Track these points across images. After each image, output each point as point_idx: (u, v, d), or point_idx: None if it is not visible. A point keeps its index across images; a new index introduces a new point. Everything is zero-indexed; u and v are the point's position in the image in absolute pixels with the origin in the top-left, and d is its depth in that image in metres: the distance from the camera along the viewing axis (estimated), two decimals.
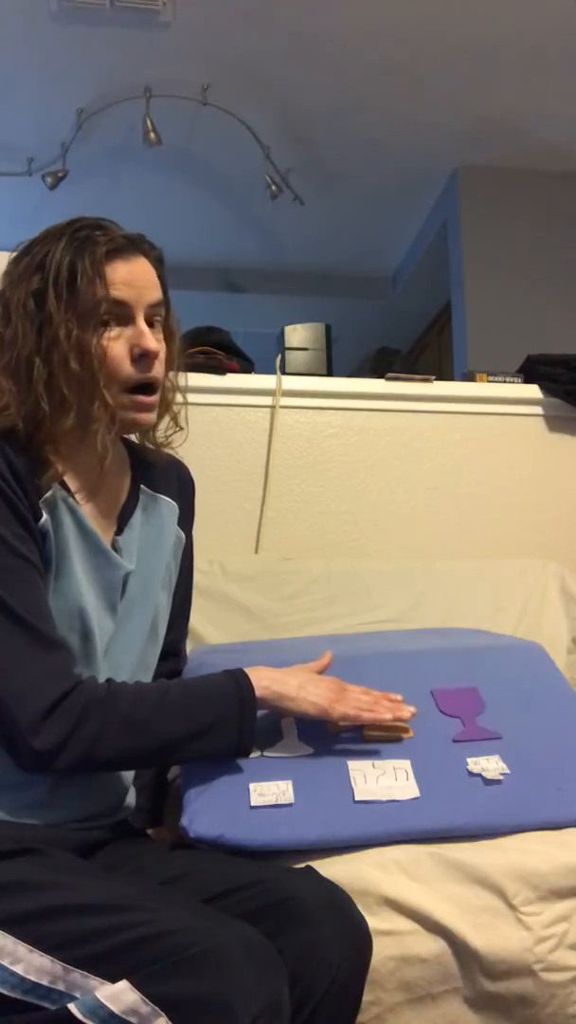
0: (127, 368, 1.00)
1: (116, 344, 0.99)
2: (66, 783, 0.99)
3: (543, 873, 0.99)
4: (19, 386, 0.98)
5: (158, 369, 1.03)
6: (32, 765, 0.91)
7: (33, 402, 0.97)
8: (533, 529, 2.09)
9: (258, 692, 1.01)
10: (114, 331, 1.00)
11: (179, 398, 1.13)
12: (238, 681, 1.01)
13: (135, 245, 1.02)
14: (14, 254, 1.03)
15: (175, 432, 1.14)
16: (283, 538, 1.99)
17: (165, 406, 1.10)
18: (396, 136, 3.71)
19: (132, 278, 1.00)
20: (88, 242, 0.98)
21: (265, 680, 1.02)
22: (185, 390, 1.13)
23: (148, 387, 1.03)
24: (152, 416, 1.06)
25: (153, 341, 1.01)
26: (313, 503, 2.02)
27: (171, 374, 1.10)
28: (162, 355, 1.04)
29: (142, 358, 1.01)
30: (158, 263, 1.05)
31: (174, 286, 1.09)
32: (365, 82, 3.35)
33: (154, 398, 1.04)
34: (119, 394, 1.01)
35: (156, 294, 1.03)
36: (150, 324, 1.03)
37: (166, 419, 1.12)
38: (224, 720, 0.98)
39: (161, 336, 1.05)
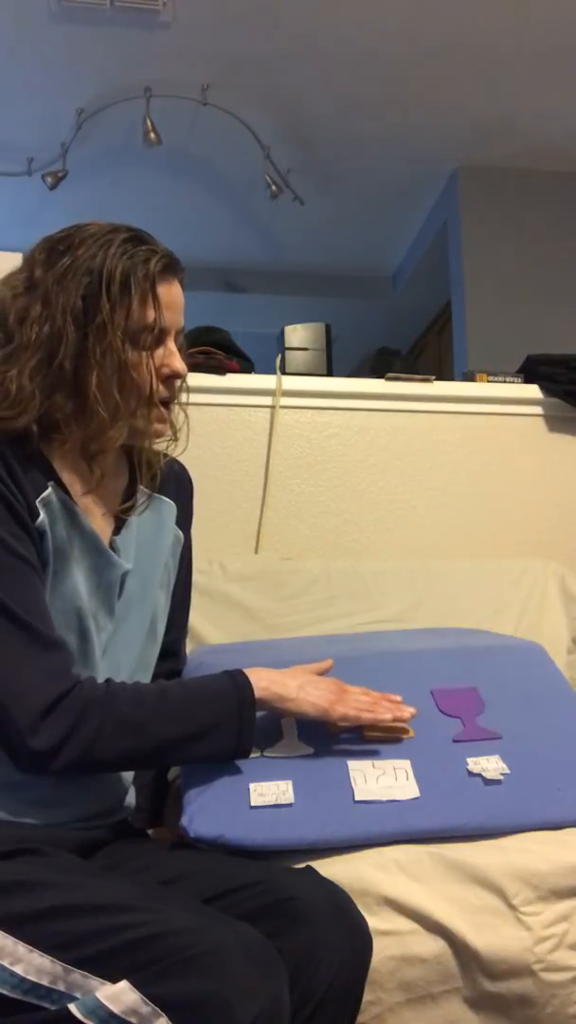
0: (158, 386, 1.04)
1: (151, 361, 1.02)
2: (66, 783, 0.99)
3: (543, 873, 0.99)
4: (53, 388, 0.98)
5: (178, 386, 1.08)
6: (30, 765, 0.91)
7: (68, 406, 0.99)
8: (533, 529, 2.09)
9: (257, 693, 1.01)
10: (150, 349, 1.03)
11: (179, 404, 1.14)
12: (237, 682, 1.01)
13: (174, 267, 1.04)
14: (45, 247, 1.02)
15: (171, 440, 1.15)
16: (283, 538, 1.99)
17: None
18: (396, 136, 3.71)
19: (172, 302, 1.03)
20: (138, 257, 0.99)
21: (264, 681, 1.02)
22: (187, 391, 1.13)
23: (166, 401, 1.07)
24: (167, 427, 1.09)
25: (182, 363, 1.05)
26: (313, 503, 2.02)
27: None
28: None
29: (170, 378, 1.05)
30: (182, 284, 1.07)
31: None
32: (365, 82, 3.35)
33: (169, 410, 1.08)
34: (144, 407, 1.03)
35: (183, 318, 1.07)
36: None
37: None
38: (223, 722, 0.98)
39: None
